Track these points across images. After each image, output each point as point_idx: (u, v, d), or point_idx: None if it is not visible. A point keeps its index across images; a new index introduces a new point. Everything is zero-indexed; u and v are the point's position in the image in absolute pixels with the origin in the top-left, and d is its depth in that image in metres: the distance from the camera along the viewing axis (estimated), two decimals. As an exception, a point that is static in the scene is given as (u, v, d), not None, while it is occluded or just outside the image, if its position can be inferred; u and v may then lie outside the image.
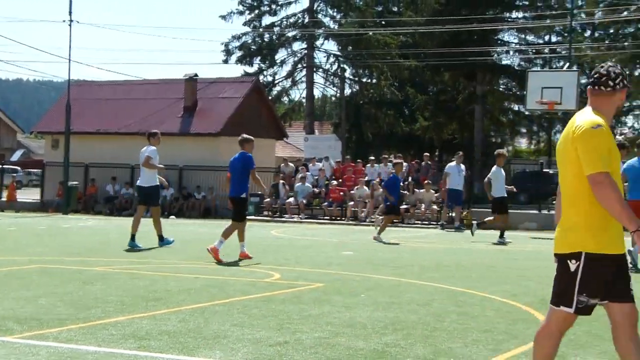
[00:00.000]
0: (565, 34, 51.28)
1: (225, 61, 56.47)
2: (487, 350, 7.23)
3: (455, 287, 11.63)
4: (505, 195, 22.17)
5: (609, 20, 51.17)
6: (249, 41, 56.46)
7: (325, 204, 32.98)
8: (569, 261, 5.17)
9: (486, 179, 22.47)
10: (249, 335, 7.71)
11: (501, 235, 21.93)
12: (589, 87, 5.40)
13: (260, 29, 56.35)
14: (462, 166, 28.22)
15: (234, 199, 16.04)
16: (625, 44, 49.38)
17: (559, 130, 54.75)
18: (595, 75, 5.35)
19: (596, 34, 56.26)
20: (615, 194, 4.95)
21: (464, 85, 54.39)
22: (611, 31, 53.69)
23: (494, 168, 22.21)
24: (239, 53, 56.18)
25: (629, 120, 56.95)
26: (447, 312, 9.29)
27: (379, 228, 21.55)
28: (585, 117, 5.20)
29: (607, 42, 52.55)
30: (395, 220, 23.81)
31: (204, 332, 7.85)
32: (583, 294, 5.15)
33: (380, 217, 23.34)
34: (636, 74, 49.28)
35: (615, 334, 5.31)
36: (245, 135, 16.28)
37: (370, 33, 53.30)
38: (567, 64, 31.24)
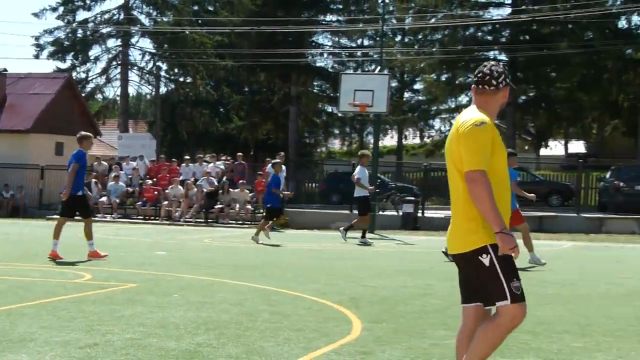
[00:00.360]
0: (377, 38, 52.62)
1: (37, 56, 54.71)
2: (298, 349, 7.34)
3: (269, 286, 11.75)
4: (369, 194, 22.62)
5: (418, 27, 52.87)
6: (62, 36, 54.89)
7: (139, 203, 32.55)
8: (480, 257, 5.17)
9: (356, 178, 22.50)
10: (57, 337, 7.53)
11: (363, 236, 22.18)
12: (473, 86, 5.45)
13: (74, 24, 54.92)
14: (284, 167, 28.49)
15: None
16: (434, 49, 51.12)
17: (371, 132, 56.18)
18: (479, 75, 5.40)
19: (406, 39, 58.01)
20: (487, 193, 5.02)
21: (279, 86, 54.92)
22: (420, 37, 55.46)
23: (359, 168, 22.54)
24: (51, 48, 54.50)
25: (436, 123, 58.99)
26: (260, 312, 9.38)
27: (263, 231, 21.20)
28: (470, 115, 5.26)
29: (416, 47, 54.25)
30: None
31: (10, 335, 7.62)
32: (513, 279, 5.17)
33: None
34: (443, 79, 51.12)
35: (466, 333, 5.41)
36: (82, 133, 15.99)
37: (187, 32, 52.96)
38: (379, 68, 31.94)
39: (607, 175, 35.64)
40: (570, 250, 20.92)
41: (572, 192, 36.00)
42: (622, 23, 51.39)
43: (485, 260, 5.16)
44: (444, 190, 34.43)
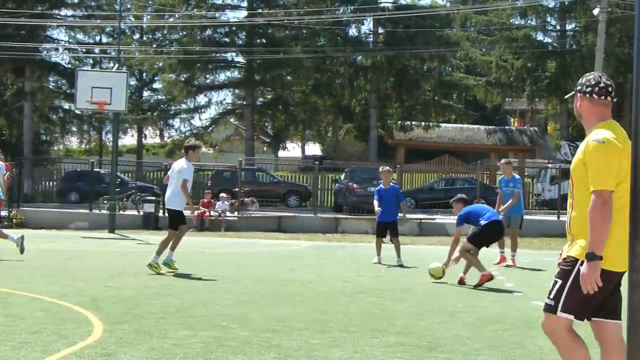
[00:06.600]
0: (115, 36, 51.74)
1: None
2: (35, 352, 7.11)
3: (3, 288, 11.28)
4: None
5: (156, 25, 52.46)
6: None
7: None
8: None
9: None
10: None
11: None
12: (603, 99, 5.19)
13: None
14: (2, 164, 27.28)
15: None
16: (172, 49, 50.93)
17: (110, 131, 55.10)
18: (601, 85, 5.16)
19: (145, 38, 57.36)
20: None
21: (12, 81, 52.62)
22: (159, 36, 55.03)
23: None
24: None
25: (176, 122, 58.57)
26: (-6, 316, 9.00)
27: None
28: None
29: (154, 46, 53.76)
30: None
31: None
32: None
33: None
34: (182, 78, 50.95)
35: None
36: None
37: None
38: (117, 65, 31.50)
39: (342, 177, 37.03)
40: (308, 250, 21.46)
41: (310, 193, 37.01)
42: (352, 31, 53.51)
43: None
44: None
